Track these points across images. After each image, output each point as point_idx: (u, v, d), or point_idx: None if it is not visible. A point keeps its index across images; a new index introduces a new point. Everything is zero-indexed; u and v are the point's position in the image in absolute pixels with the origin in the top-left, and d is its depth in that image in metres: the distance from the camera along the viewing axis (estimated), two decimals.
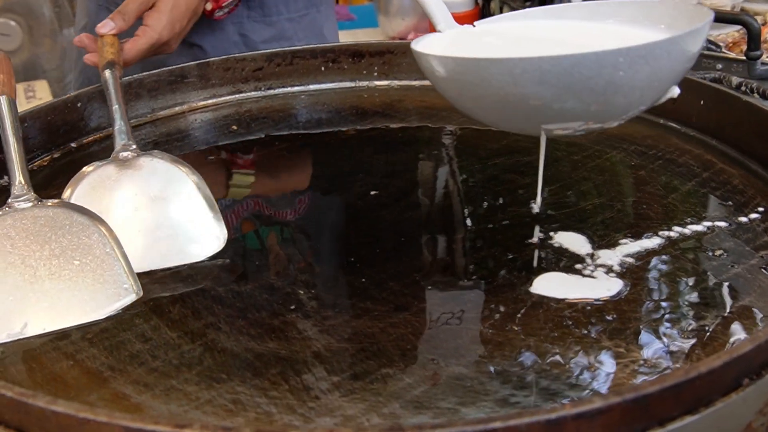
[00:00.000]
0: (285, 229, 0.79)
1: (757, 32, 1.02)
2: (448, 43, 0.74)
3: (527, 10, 0.80)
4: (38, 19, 2.22)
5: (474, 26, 0.78)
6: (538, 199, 0.76)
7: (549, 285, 0.66)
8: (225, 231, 0.73)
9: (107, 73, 0.87)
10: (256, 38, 1.20)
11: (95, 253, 0.67)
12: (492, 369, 0.57)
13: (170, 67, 1.03)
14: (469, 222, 0.78)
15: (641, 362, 0.57)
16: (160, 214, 0.73)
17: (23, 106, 1.16)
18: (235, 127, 1.00)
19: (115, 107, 0.83)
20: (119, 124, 0.81)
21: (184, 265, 0.71)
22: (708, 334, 0.60)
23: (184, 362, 0.60)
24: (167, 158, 0.77)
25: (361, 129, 0.99)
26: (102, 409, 0.52)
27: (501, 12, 1.62)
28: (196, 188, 0.75)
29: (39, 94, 2.04)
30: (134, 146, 0.79)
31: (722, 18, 1.11)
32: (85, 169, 0.75)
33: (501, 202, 0.81)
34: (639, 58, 0.61)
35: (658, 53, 0.62)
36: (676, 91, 0.67)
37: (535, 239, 0.73)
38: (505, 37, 0.76)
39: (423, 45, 0.72)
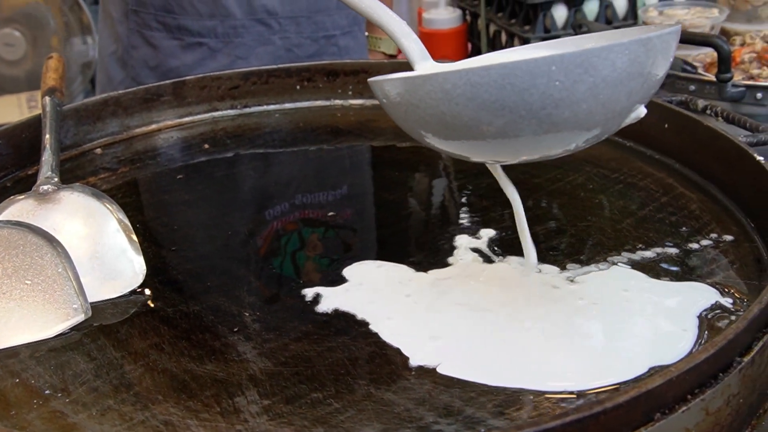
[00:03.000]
0: (238, 250, 0.80)
1: (727, 54, 1.02)
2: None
3: (526, 45, 0.75)
4: (43, 29, 2.25)
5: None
6: (532, 257, 0.70)
7: None
8: (144, 266, 0.73)
9: (46, 100, 0.88)
10: (301, 53, 1.24)
11: (47, 273, 0.68)
12: (420, 396, 0.58)
13: (146, 86, 1.05)
14: (417, 245, 0.79)
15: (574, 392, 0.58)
16: (78, 250, 0.72)
17: (25, 117, 1.17)
18: (207, 146, 1.01)
19: (47, 137, 0.83)
20: (47, 155, 0.81)
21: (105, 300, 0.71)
22: None
23: (124, 382, 0.61)
24: (88, 192, 0.77)
25: (332, 148, 1.00)
26: (34, 428, 0.54)
27: (487, 29, 1.63)
28: (117, 223, 0.75)
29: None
30: (56, 179, 0.79)
31: (692, 40, 1.12)
32: (3, 203, 0.75)
33: (462, 224, 0.81)
34: (575, 67, 0.55)
35: (596, 62, 0.56)
36: (642, 111, 0.61)
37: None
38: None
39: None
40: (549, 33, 1.48)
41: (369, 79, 0.66)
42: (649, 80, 0.58)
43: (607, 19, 1.51)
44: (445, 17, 1.67)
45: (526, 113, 0.56)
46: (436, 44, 1.70)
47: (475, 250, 0.76)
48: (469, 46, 1.73)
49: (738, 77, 1.13)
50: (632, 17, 1.52)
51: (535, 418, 0.55)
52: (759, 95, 1.07)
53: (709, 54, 1.24)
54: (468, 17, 1.71)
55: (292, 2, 1.27)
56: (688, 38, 1.13)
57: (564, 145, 0.61)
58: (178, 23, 1.26)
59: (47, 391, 0.61)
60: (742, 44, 1.24)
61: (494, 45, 1.63)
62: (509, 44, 1.57)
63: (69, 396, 0.60)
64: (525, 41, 1.50)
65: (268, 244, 0.81)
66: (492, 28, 1.62)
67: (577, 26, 1.27)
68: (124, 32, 1.31)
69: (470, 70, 0.57)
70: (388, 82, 0.62)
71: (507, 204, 0.83)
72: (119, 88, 1.14)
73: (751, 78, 1.17)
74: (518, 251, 0.75)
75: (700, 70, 1.18)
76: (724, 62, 1.02)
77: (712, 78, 1.07)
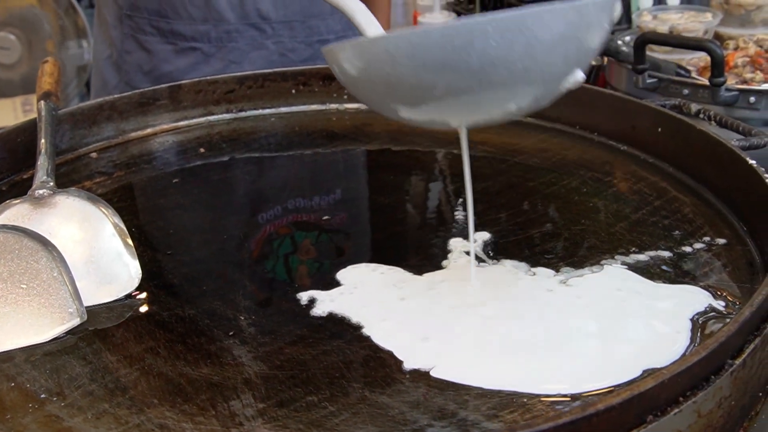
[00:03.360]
0: (234, 254, 0.80)
1: (720, 59, 1.03)
2: None
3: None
4: (38, 33, 2.25)
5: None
6: (471, 237, 0.73)
7: None
8: (139, 270, 0.73)
9: (42, 104, 0.88)
10: (295, 57, 1.24)
11: (42, 277, 0.68)
12: (414, 399, 0.59)
13: (141, 90, 1.05)
14: (411, 249, 0.79)
15: (568, 395, 0.58)
16: (73, 254, 0.72)
17: (20, 120, 1.17)
18: (203, 150, 1.01)
19: (42, 141, 0.84)
20: (41, 160, 0.82)
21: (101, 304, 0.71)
22: None
23: (119, 386, 0.62)
24: (84, 196, 0.77)
25: (327, 152, 1.01)
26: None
27: None
28: (112, 227, 0.75)
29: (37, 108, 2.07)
30: (51, 183, 0.79)
31: (685, 44, 1.12)
32: None
33: (456, 227, 0.82)
34: (511, 28, 0.57)
35: (530, 24, 0.58)
36: (579, 76, 0.62)
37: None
38: None
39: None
40: None
41: (322, 48, 0.66)
42: (583, 45, 0.61)
43: None
44: (440, 21, 1.67)
45: (466, 72, 0.58)
46: None
47: (469, 253, 0.76)
48: None
49: (731, 81, 1.13)
50: (626, 21, 1.53)
51: (528, 421, 0.55)
52: (752, 99, 1.08)
53: (702, 58, 1.24)
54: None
55: (286, 7, 1.27)
56: (682, 42, 1.14)
57: (508, 104, 0.63)
58: (172, 28, 1.26)
59: (42, 395, 0.61)
60: (736, 48, 1.25)
61: None
62: None
63: (64, 400, 0.60)
64: None
65: (263, 248, 0.81)
66: None
67: None
68: (118, 36, 1.32)
69: (412, 32, 0.60)
70: (338, 47, 0.63)
71: (501, 207, 0.84)
72: (114, 92, 1.15)
73: (745, 82, 1.18)
74: (513, 254, 0.76)
75: (693, 74, 1.19)
76: (718, 66, 1.03)
77: (706, 82, 1.07)
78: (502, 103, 0.62)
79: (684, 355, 0.61)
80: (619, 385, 0.58)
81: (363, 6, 0.72)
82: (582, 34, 0.60)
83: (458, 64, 0.58)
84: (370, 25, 0.71)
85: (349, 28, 1.34)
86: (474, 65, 0.57)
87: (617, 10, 0.62)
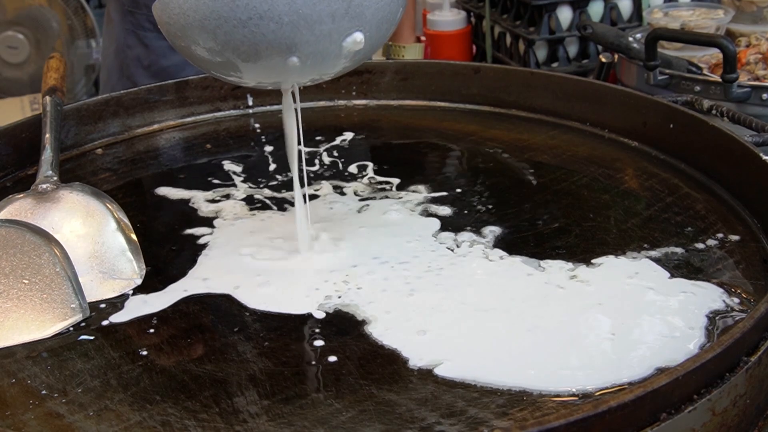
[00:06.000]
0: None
1: (733, 55, 1.01)
2: None
3: None
4: (46, 32, 2.25)
5: None
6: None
7: None
8: (143, 265, 0.73)
9: (47, 99, 0.88)
10: None
11: (45, 272, 0.67)
12: (422, 396, 0.57)
13: (148, 86, 1.05)
14: (419, 245, 0.77)
15: (579, 392, 0.57)
16: (77, 249, 0.71)
17: None
18: (209, 146, 1.01)
19: (47, 136, 0.83)
20: (46, 154, 0.81)
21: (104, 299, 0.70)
22: None
23: (121, 382, 0.61)
24: (88, 191, 0.76)
25: (335, 145, 1.00)
26: (30, 428, 0.54)
27: (492, 31, 1.63)
28: (116, 222, 0.74)
29: None
30: (55, 178, 0.78)
31: (697, 40, 1.11)
32: (2, 202, 0.75)
33: (467, 222, 0.80)
34: None
35: None
36: (359, 38, 0.66)
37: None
38: None
39: None
40: (554, 35, 1.47)
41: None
42: (353, 6, 0.65)
43: (612, 21, 1.50)
44: (449, 19, 1.66)
45: (238, 23, 0.64)
46: (441, 46, 1.69)
47: (480, 248, 0.75)
48: (474, 48, 1.72)
49: (743, 78, 1.12)
50: (637, 18, 1.51)
51: (539, 418, 0.54)
52: (765, 96, 1.06)
53: (714, 55, 1.23)
54: (473, 19, 1.70)
55: None
56: (694, 38, 1.12)
57: (291, 60, 0.66)
58: None
59: (44, 392, 0.60)
60: (748, 45, 1.23)
61: (499, 47, 1.62)
62: (514, 46, 1.56)
63: (66, 396, 0.59)
64: (530, 43, 1.49)
65: None
66: (497, 30, 1.61)
67: (581, 28, 1.26)
68: (120, 32, 1.33)
69: None
70: (155, 5, 0.69)
71: (511, 203, 0.83)
72: (117, 88, 1.14)
73: (757, 79, 1.16)
74: (523, 250, 0.75)
75: (705, 71, 1.17)
76: (730, 62, 1.01)
77: (718, 79, 1.06)
78: (283, 57, 0.66)
79: (698, 352, 0.60)
80: (631, 383, 0.57)
81: None
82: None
83: (229, 16, 0.63)
84: None
85: None
86: (242, 16, 0.63)
87: None
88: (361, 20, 0.66)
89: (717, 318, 0.64)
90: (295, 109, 0.75)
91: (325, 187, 0.89)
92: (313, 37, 0.65)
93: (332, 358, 0.62)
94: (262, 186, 0.90)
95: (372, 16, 0.67)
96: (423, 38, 1.60)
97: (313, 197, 0.87)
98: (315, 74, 0.70)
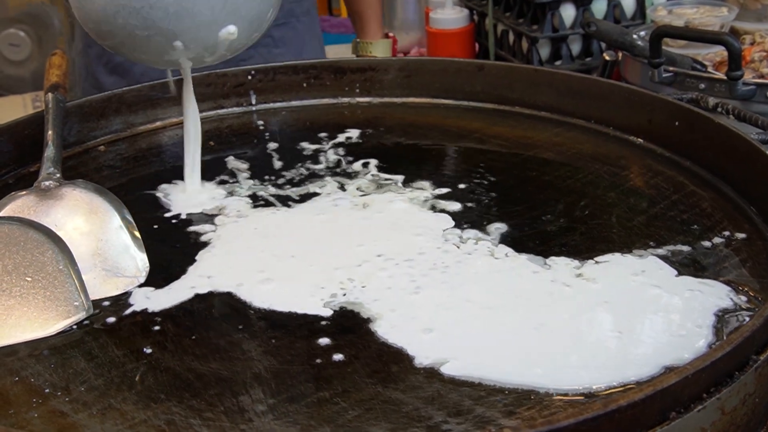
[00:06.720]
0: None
1: (738, 52, 1.01)
2: None
3: None
4: (48, 29, 2.25)
5: None
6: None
7: None
8: (147, 263, 0.72)
9: (49, 96, 0.88)
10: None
11: (48, 270, 0.67)
12: (429, 395, 0.57)
13: (151, 83, 1.04)
14: (424, 242, 0.77)
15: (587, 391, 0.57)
16: (80, 246, 0.71)
17: None
18: (212, 143, 1.00)
19: (49, 133, 0.83)
20: (49, 151, 0.81)
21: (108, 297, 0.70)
22: None
23: (125, 381, 0.60)
24: (91, 188, 0.76)
25: (339, 142, 0.99)
26: (33, 427, 0.53)
27: (495, 29, 1.62)
28: (119, 219, 0.74)
29: None
30: (58, 175, 0.78)
31: (702, 38, 1.10)
32: (4, 199, 0.74)
33: (472, 220, 0.80)
34: None
35: None
36: (232, 29, 0.78)
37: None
38: None
39: None
40: (557, 33, 1.47)
41: None
42: (228, 3, 0.77)
43: (616, 19, 1.50)
44: (452, 17, 1.65)
45: (132, 11, 0.76)
46: (443, 44, 1.68)
47: (485, 245, 0.75)
48: (477, 46, 1.72)
49: (748, 76, 1.11)
50: (641, 16, 1.50)
51: (548, 417, 0.53)
52: None
53: (718, 53, 1.22)
54: (475, 17, 1.70)
55: None
56: (699, 36, 1.12)
57: (176, 45, 0.78)
58: None
59: (47, 390, 0.60)
60: (752, 43, 1.22)
61: (502, 45, 1.61)
62: (517, 44, 1.56)
63: (69, 395, 0.59)
64: (533, 41, 1.48)
65: None
66: (499, 28, 1.60)
67: (585, 25, 1.26)
68: (83, 32, 1.33)
69: None
70: None
71: (516, 201, 0.83)
72: (85, 86, 1.15)
73: (762, 77, 1.16)
74: (528, 248, 0.74)
75: (710, 69, 1.17)
76: (735, 60, 1.01)
77: (723, 76, 1.05)
78: (170, 41, 0.78)
79: (706, 350, 0.60)
80: (639, 382, 0.57)
81: None
82: None
83: (126, 3, 0.75)
84: None
85: (292, 16, 1.34)
86: (136, 5, 0.75)
87: None
88: (235, 15, 0.78)
89: (725, 316, 0.64)
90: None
91: (330, 184, 0.89)
92: (194, 25, 0.77)
93: (338, 357, 0.61)
94: (266, 183, 0.90)
95: (246, 13, 0.79)
96: (391, 34, 1.58)
97: (317, 194, 0.87)
98: (197, 57, 0.82)
